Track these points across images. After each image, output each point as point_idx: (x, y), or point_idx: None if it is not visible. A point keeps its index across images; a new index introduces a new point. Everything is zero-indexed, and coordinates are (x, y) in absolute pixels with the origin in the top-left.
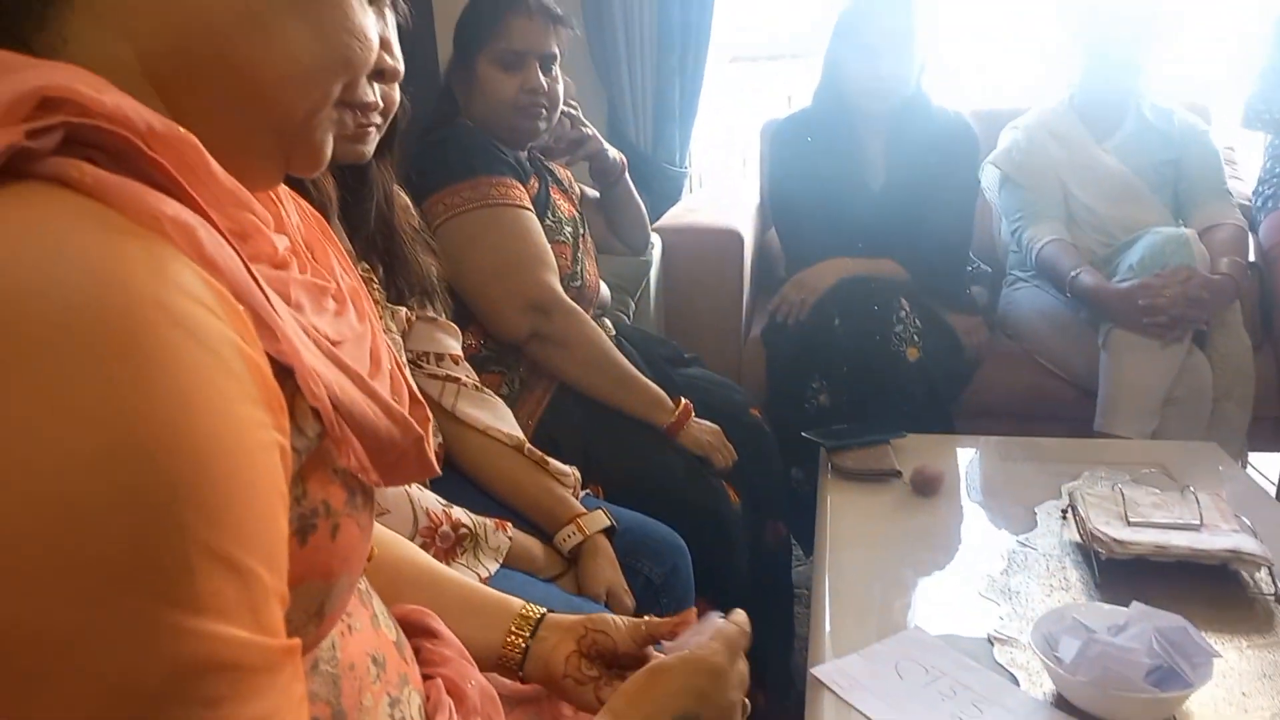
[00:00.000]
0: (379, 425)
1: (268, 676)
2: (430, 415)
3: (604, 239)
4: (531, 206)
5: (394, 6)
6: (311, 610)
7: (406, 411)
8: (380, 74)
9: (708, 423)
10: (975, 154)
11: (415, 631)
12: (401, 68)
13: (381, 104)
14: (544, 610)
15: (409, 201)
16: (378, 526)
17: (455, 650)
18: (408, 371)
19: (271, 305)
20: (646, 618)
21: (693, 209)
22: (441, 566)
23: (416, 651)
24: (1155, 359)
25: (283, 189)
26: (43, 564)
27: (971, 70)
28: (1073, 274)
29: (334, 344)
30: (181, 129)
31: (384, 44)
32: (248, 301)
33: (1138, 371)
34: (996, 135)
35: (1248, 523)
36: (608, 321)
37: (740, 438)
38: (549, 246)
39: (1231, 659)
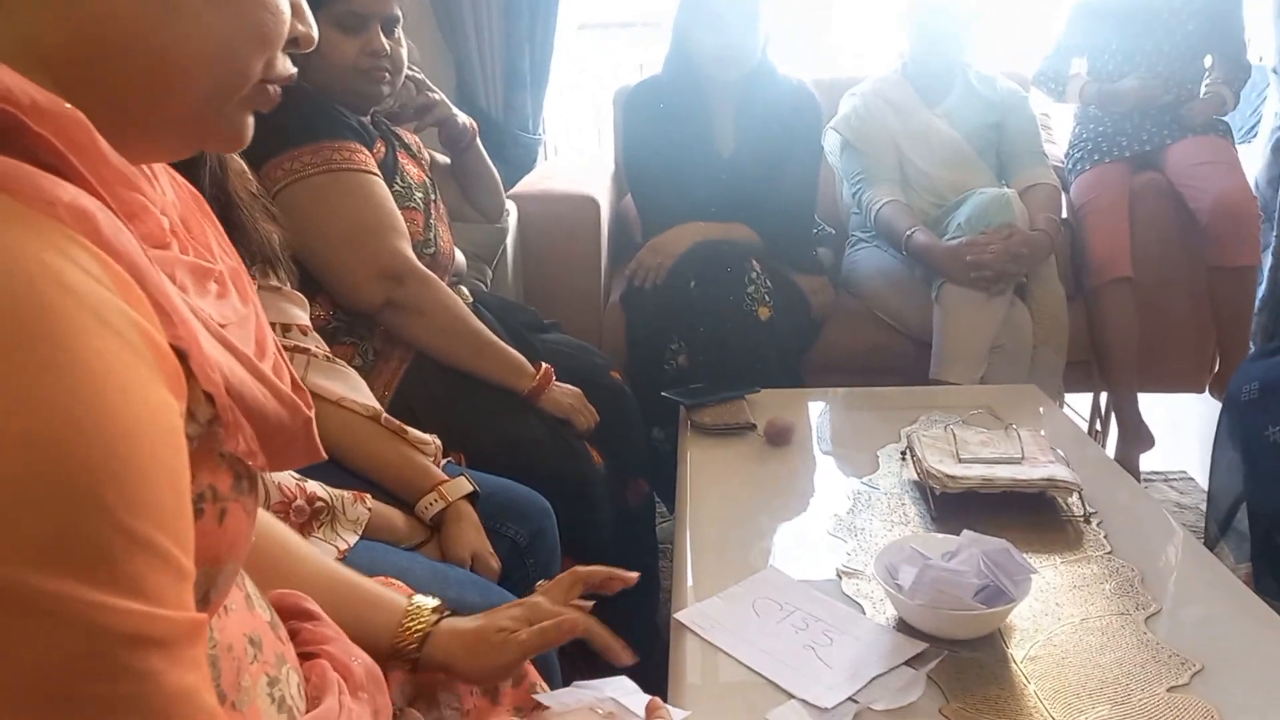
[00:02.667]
0: (268, 409)
1: (190, 650)
2: (311, 399)
3: (458, 207)
4: (378, 171)
5: None
6: (198, 596)
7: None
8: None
9: (569, 386)
10: (818, 121)
11: (291, 614)
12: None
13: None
14: (433, 616)
15: (244, 166)
16: (262, 515)
17: (335, 630)
18: (285, 355)
19: (167, 289)
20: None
21: (548, 176)
22: (327, 563)
23: (295, 634)
24: (982, 311)
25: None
26: None
27: (812, 39)
28: (907, 233)
29: (221, 327)
30: (68, 105)
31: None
32: (147, 286)
33: (967, 323)
34: (837, 102)
35: (1062, 454)
36: (464, 289)
37: (601, 400)
38: (399, 212)
39: (1048, 575)
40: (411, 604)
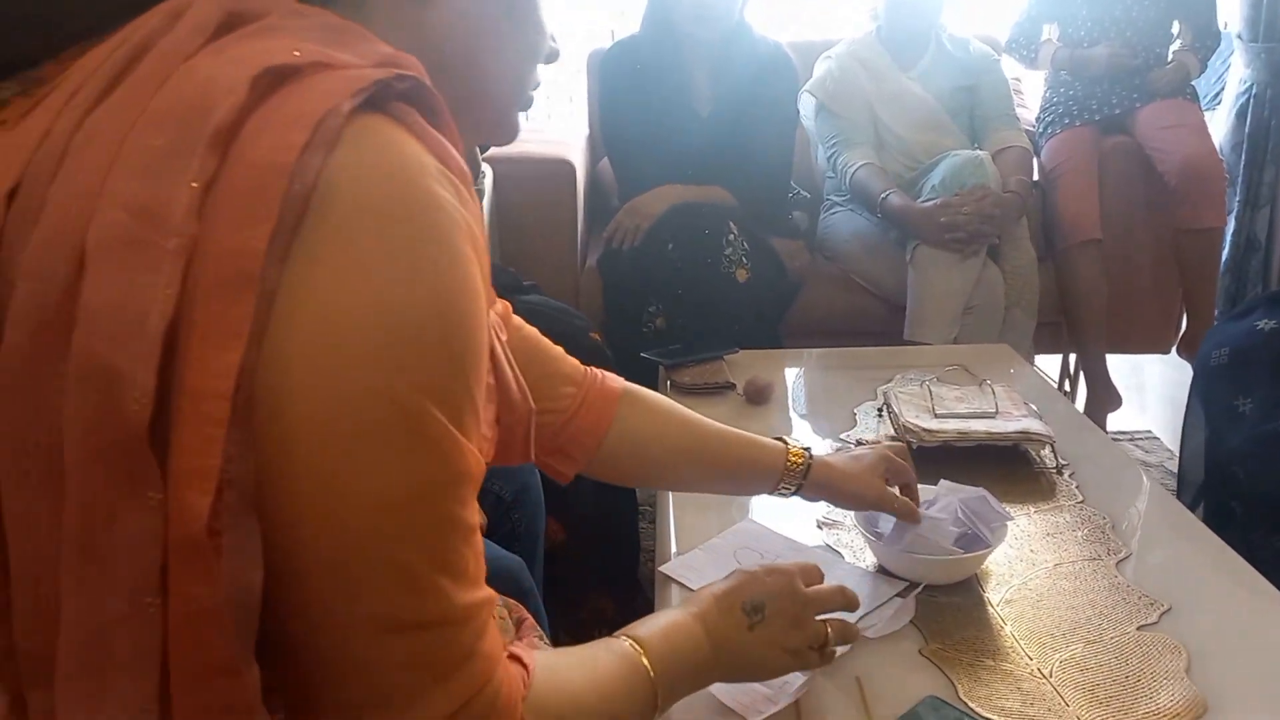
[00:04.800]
0: (513, 391)
1: (477, 489)
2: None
3: None
4: None
5: None
6: None
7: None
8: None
9: None
10: (794, 83)
11: None
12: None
13: None
14: (809, 459)
15: None
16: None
17: None
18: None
19: (488, 261)
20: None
21: (523, 140)
22: (704, 421)
23: None
24: (955, 272)
25: None
26: (389, 377)
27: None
28: (882, 196)
29: None
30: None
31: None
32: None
33: (940, 284)
34: (812, 65)
35: (1034, 409)
36: None
37: (582, 361)
38: None
39: (1022, 523)
40: (790, 446)
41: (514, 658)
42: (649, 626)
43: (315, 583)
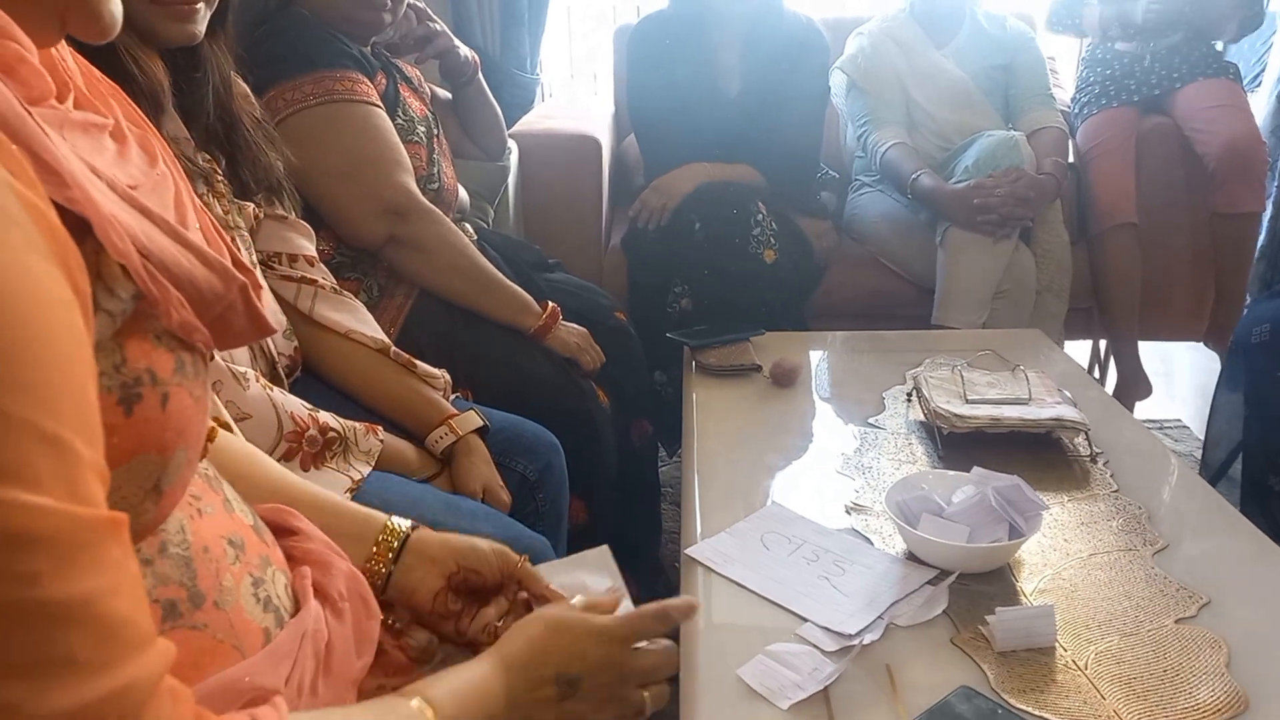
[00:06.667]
0: (196, 275)
1: (90, 551)
2: (263, 284)
3: (459, 144)
4: (380, 103)
5: None
6: (148, 486)
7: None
8: None
9: (575, 326)
10: (825, 60)
11: (275, 532)
12: None
13: None
14: (408, 530)
15: (248, 90)
16: (231, 441)
17: (319, 542)
18: (224, 232)
19: (53, 146)
20: (522, 560)
21: (549, 115)
22: (297, 483)
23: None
24: (987, 255)
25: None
26: None
27: None
28: (913, 176)
29: (130, 188)
30: None
31: None
32: (24, 141)
33: (971, 267)
34: (843, 42)
35: (1068, 395)
36: (468, 226)
37: (606, 340)
38: (402, 146)
39: (1055, 512)
40: (389, 522)
41: None
42: (445, 686)
43: None
